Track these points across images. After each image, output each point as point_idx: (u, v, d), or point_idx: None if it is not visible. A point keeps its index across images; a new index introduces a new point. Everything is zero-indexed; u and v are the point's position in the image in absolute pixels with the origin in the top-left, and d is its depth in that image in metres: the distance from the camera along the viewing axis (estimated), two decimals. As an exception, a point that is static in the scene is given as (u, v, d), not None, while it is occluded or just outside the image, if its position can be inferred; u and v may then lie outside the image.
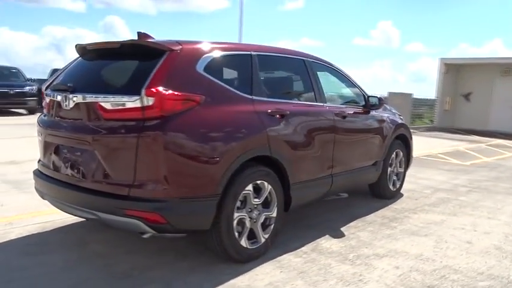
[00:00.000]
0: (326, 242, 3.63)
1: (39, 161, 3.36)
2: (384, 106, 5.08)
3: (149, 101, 2.60)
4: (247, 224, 3.09)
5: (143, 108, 2.61)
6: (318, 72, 4.06)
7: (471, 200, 5.30)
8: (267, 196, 3.24)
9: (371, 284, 2.88)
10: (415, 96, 16.67)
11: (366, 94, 4.56)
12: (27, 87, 14.33)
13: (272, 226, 3.31)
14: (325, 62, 4.29)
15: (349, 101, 4.53)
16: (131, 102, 2.63)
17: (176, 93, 2.66)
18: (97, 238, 3.53)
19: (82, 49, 3.22)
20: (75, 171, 2.91)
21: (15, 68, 15.70)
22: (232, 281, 2.84)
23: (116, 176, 2.69)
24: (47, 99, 3.20)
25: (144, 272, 2.93)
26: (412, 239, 3.80)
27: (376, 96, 4.52)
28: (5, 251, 3.22)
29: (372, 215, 4.47)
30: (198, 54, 2.92)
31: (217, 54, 3.05)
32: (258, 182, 3.14)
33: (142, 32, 3.17)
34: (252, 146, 3.03)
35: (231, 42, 3.36)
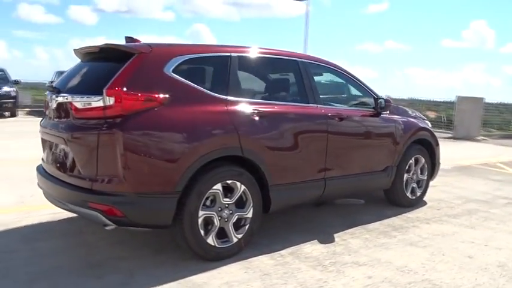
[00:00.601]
0: (310, 247, 3.54)
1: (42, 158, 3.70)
2: (401, 109, 4.84)
3: (110, 101, 2.76)
4: (216, 222, 3.13)
5: (105, 108, 2.78)
6: (317, 74, 3.99)
7: (503, 213, 4.81)
8: (241, 196, 3.26)
9: (330, 291, 2.79)
10: (489, 101, 15.39)
11: (376, 96, 4.36)
12: (3, 90, 14.00)
13: (247, 227, 3.31)
14: (328, 63, 4.19)
15: (355, 103, 4.38)
16: (95, 102, 2.82)
17: (136, 93, 2.80)
18: (94, 229, 3.77)
19: (76, 53, 3.50)
20: (58, 166, 3.17)
21: (2, 70, 15.34)
22: (191, 277, 2.90)
23: (83, 171, 2.89)
24: (45, 100, 3.53)
25: (116, 263, 3.10)
26: (406, 249, 3.57)
27: (383, 98, 4.31)
28: (8, 236, 3.59)
29: (378, 222, 4.26)
30: (167, 57, 3.03)
31: (190, 56, 3.14)
32: (229, 181, 3.16)
33: (129, 36, 3.37)
34: (219, 146, 3.08)
35: (211, 45, 3.45)
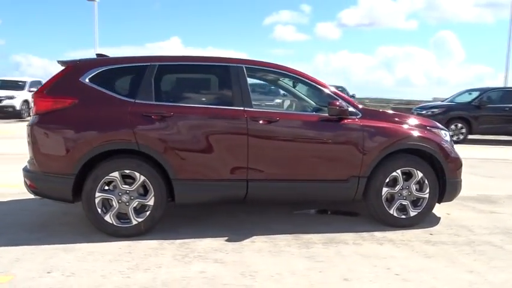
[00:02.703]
0: (222, 245, 3.64)
1: None
2: (383, 114, 4.32)
3: (34, 102, 3.77)
4: (115, 204, 3.72)
5: (34, 107, 3.81)
6: (261, 78, 4.09)
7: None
8: (143, 185, 3.76)
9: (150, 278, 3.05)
10: None
11: (335, 100, 4.05)
12: None
13: (148, 213, 3.78)
14: (279, 68, 4.21)
15: (303, 107, 4.17)
16: (33, 104, 3.87)
17: (48, 97, 3.72)
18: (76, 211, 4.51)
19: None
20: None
21: None
22: (77, 245, 3.57)
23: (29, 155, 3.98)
24: None
25: (44, 238, 3.73)
26: (312, 265, 3.32)
27: (348, 103, 4.04)
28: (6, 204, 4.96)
29: (354, 234, 3.98)
30: (86, 68, 3.84)
31: (108, 67, 3.89)
32: (127, 171, 3.73)
33: (99, 53, 4.34)
34: (112, 140, 3.69)
35: (135, 57, 4.05)
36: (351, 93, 18.67)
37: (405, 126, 4.24)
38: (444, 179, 4.25)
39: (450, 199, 4.46)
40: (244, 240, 3.77)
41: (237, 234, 3.90)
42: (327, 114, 4.03)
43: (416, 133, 4.21)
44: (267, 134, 3.93)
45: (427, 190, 4.23)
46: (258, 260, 3.35)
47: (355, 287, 2.93)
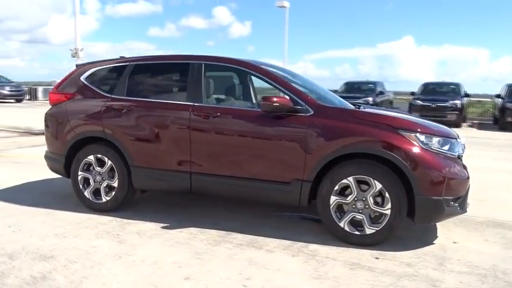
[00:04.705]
0: (153, 230, 4.00)
1: None
2: (348, 111, 3.78)
3: (48, 96, 4.82)
4: (92, 183, 4.44)
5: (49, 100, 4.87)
6: (219, 73, 4.15)
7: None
8: (112, 168, 4.36)
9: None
10: None
11: (278, 98, 3.74)
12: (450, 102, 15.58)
13: (113, 193, 4.36)
14: (241, 64, 4.16)
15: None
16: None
17: (58, 92, 4.69)
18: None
19: None
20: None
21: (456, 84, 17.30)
22: (59, 212, 4.41)
23: None
24: None
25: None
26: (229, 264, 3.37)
27: (300, 100, 3.76)
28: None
29: (288, 241, 3.69)
30: (85, 69, 4.67)
31: (98, 68, 4.61)
32: (99, 155, 4.38)
33: (121, 56, 5.16)
34: (88, 129, 4.40)
35: (121, 58, 4.63)
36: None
37: (366, 128, 3.57)
38: (413, 192, 3.42)
39: (428, 220, 3.54)
40: (175, 229, 3.93)
41: (179, 222, 4.11)
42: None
43: (376, 136, 3.50)
44: (207, 128, 3.97)
45: (388, 205, 3.48)
46: (151, 246, 3.52)
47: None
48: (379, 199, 3.55)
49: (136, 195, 4.59)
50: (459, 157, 3.71)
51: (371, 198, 3.54)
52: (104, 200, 4.39)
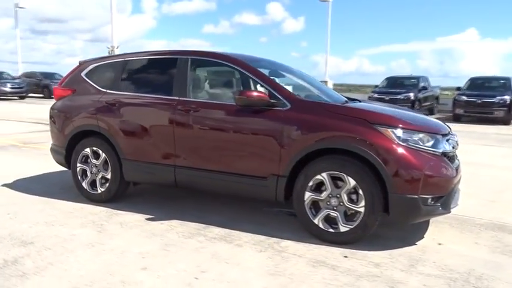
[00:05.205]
0: (137, 221, 4.08)
1: None
2: (325, 105, 3.69)
3: (53, 91, 5.06)
4: (89, 175, 4.62)
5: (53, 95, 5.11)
6: (201, 69, 4.22)
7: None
8: (106, 161, 4.51)
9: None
10: None
11: (256, 92, 3.72)
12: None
13: (107, 185, 4.52)
14: (225, 59, 4.15)
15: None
16: (53, 93, 5.17)
17: (61, 88, 4.92)
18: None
19: None
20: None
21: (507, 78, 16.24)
22: (58, 202, 4.64)
23: None
24: None
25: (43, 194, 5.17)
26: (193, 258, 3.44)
27: (277, 94, 3.71)
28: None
29: (263, 237, 3.66)
30: (86, 65, 4.85)
31: (96, 64, 4.78)
32: (94, 148, 4.55)
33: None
34: (84, 123, 4.58)
35: (119, 54, 4.75)
36: None
37: (340, 122, 3.45)
38: (387, 190, 3.27)
39: (404, 219, 3.37)
40: (158, 221, 4.01)
41: (166, 215, 4.19)
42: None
43: (349, 131, 3.38)
44: (188, 122, 4.01)
45: (362, 203, 3.35)
46: (127, 236, 3.63)
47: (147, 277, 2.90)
48: (354, 196, 3.43)
49: (137, 188, 4.76)
50: (445, 154, 3.50)
51: (345, 195, 3.42)
52: (99, 191, 4.56)
